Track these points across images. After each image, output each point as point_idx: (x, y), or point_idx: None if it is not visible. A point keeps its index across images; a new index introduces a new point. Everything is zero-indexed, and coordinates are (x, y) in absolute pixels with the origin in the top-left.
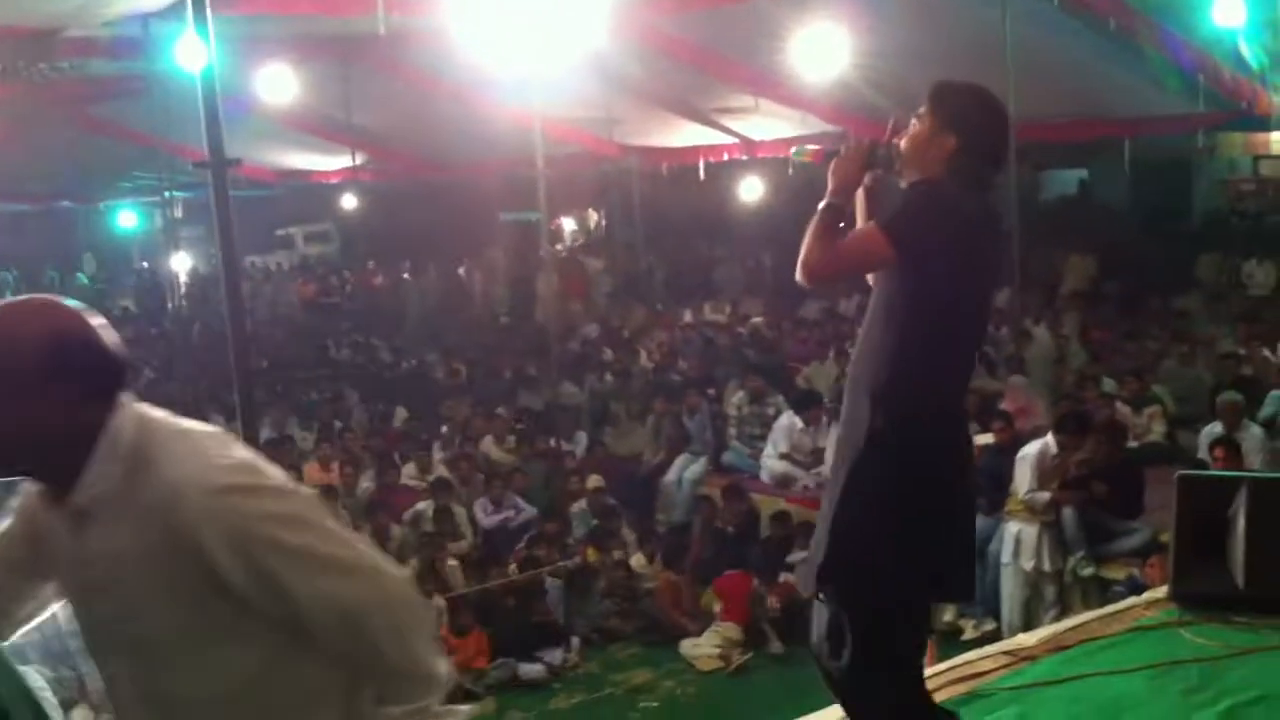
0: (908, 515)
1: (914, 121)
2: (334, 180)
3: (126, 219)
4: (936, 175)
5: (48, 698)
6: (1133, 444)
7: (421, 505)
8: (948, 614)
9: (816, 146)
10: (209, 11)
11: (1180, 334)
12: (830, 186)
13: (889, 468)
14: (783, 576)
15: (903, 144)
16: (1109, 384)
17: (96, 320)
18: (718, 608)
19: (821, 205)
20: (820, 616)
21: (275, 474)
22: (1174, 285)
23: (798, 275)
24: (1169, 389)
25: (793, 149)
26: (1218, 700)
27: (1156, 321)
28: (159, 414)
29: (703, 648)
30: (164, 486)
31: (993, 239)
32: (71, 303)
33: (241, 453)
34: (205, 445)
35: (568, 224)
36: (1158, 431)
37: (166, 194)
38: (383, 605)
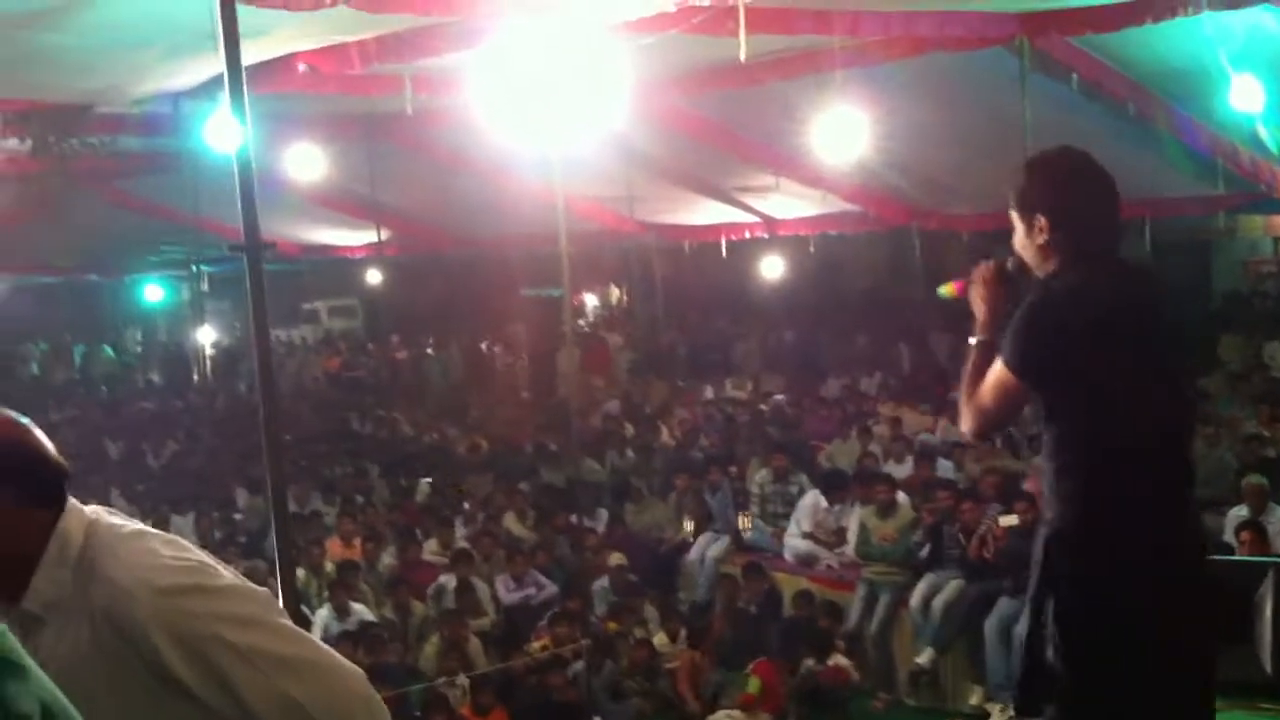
0: (1091, 665)
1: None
2: (359, 255)
3: (153, 292)
4: (1052, 267)
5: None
6: None
7: (443, 579)
8: (974, 697)
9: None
10: (245, 92)
11: (1204, 415)
12: (979, 320)
13: (1068, 611)
14: (832, 659)
15: (1018, 248)
16: None
17: (31, 425)
18: (753, 689)
19: (972, 343)
20: None
21: (226, 575)
22: (1195, 366)
23: (970, 437)
24: None
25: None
26: None
27: None
28: (111, 517)
29: None
30: (115, 589)
31: (1141, 311)
32: (2, 410)
33: (194, 554)
34: (156, 547)
35: (590, 300)
36: None
37: (194, 268)
38: (333, 703)
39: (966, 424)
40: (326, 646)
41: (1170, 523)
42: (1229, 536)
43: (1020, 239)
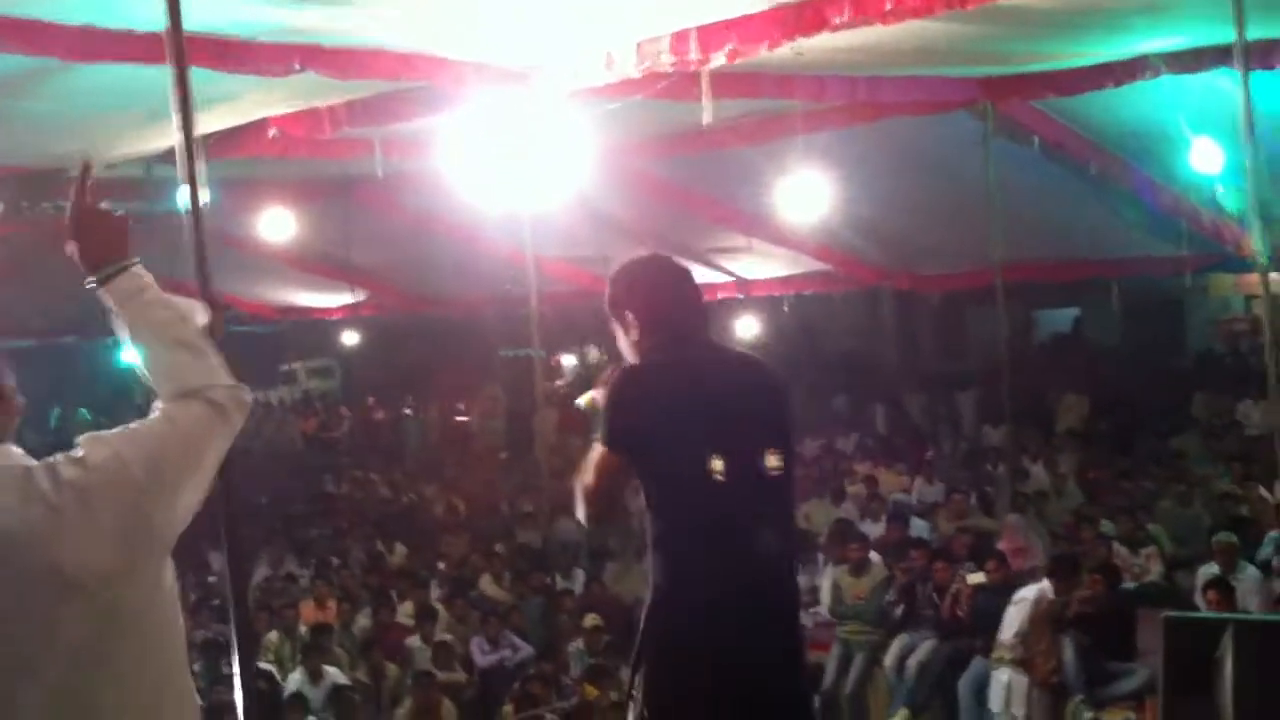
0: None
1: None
2: (335, 316)
3: (129, 354)
4: (642, 360)
5: None
6: (1130, 585)
7: (410, 641)
8: None
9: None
10: (196, 149)
11: (1177, 473)
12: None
13: (652, 680)
14: None
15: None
16: (1108, 525)
17: None
18: None
19: (595, 444)
20: None
21: None
22: (1169, 424)
23: (585, 522)
24: (1166, 529)
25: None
26: None
27: (1153, 460)
28: None
29: None
30: None
31: (720, 399)
32: None
33: None
34: None
35: (567, 360)
36: (1156, 572)
37: None
38: None
39: (579, 510)
40: None
41: (745, 595)
42: (1199, 594)
43: (620, 339)
